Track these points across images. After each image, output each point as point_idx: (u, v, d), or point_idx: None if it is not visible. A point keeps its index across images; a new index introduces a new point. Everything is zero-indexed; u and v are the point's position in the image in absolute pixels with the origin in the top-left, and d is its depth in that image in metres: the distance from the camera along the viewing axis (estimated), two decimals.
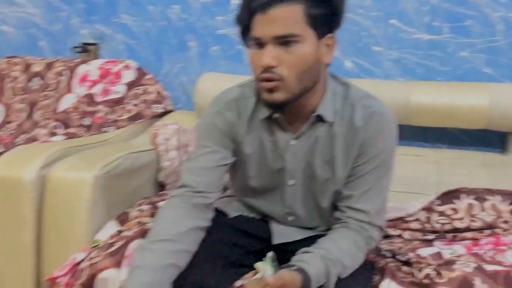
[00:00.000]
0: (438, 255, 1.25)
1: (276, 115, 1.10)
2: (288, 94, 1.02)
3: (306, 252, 1.03)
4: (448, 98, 1.68)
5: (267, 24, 0.97)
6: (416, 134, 1.88)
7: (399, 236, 1.45)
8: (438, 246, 1.34)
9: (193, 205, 1.10)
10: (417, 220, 1.47)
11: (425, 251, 1.28)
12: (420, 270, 1.12)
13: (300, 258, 1.00)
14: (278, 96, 1.01)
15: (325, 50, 1.04)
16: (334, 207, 1.17)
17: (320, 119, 1.09)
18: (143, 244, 1.05)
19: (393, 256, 1.24)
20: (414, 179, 1.65)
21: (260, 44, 1.00)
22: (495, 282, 1.03)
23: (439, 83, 1.77)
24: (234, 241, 1.20)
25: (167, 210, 1.10)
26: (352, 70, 1.93)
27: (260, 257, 1.00)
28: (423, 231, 1.44)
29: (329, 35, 1.04)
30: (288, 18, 0.97)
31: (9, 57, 2.21)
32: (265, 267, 0.93)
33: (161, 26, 2.15)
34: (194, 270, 1.07)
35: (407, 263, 1.19)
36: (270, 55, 0.98)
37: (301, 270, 0.96)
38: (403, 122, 1.74)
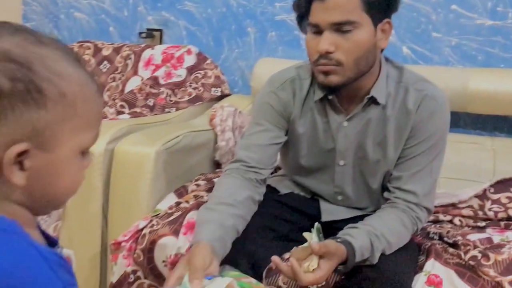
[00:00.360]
0: (488, 239, 1.25)
1: (330, 97, 1.13)
2: (343, 78, 1.06)
3: (352, 227, 1.07)
4: (509, 85, 1.64)
5: (325, 11, 1.01)
6: (474, 122, 1.84)
7: (450, 221, 1.45)
8: (490, 233, 1.33)
9: (247, 178, 1.15)
10: (469, 207, 1.46)
11: (474, 236, 1.28)
12: (466, 252, 1.13)
13: (346, 232, 1.05)
14: (334, 79, 1.05)
15: (381, 35, 1.06)
16: (384, 189, 1.19)
17: (373, 101, 1.12)
18: (207, 204, 1.11)
19: (441, 239, 1.25)
20: (469, 166, 1.64)
21: (317, 30, 1.04)
22: None
23: (499, 69, 1.72)
24: (284, 216, 1.26)
25: (225, 180, 1.16)
26: (409, 56, 1.91)
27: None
28: (475, 218, 1.43)
29: (385, 20, 1.06)
30: (345, 5, 1.00)
31: (81, 42, 2.37)
32: (311, 236, 0.98)
33: (222, 13, 2.23)
34: (247, 240, 1.13)
35: (454, 245, 1.20)
36: (327, 41, 1.02)
37: (346, 243, 1.00)
38: (460, 110, 1.72)
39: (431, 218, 1.46)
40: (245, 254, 1.12)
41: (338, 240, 1.01)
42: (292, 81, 1.19)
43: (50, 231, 1.55)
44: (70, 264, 0.56)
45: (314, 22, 1.03)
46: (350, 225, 1.09)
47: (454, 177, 1.61)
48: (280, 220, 1.24)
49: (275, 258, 0.97)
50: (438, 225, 1.42)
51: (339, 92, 1.11)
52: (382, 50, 1.12)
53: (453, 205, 1.48)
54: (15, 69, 0.47)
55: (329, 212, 1.26)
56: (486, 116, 1.79)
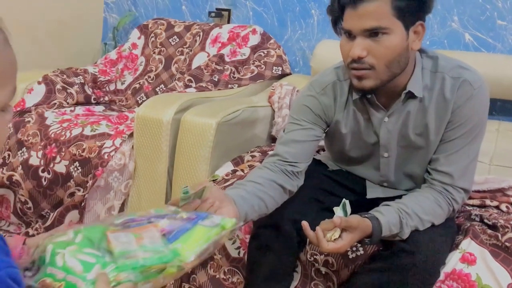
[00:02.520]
0: None
1: (369, 96, 1.17)
2: (376, 81, 1.10)
3: (385, 205, 1.13)
4: None
5: (357, 18, 1.05)
6: None
7: (496, 207, 1.47)
8: None
9: (282, 170, 1.20)
10: None
11: None
12: (504, 234, 1.17)
13: (377, 209, 1.11)
14: (367, 83, 1.10)
15: (413, 37, 1.09)
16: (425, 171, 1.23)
17: (410, 95, 1.15)
18: (237, 181, 1.18)
19: (481, 220, 1.29)
20: None
21: (350, 35, 1.08)
22: None
23: None
24: (331, 189, 1.33)
25: (259, 170, 1.22)
26: (472, 43, 1.91)
27: (353, 207, 1.10)
28: None
29: (418, 22, 1.09)
30: (376, 12, 1.04)
31: (155, 19, 2.55)
32: (337, 210, 1.06)
33: None
34: (292, 208, 1.22)
35: (493, 227, 1.23)
36: (360, 46, 1.06)
37: (374, 218, 1.07)
38: None
39: (477, 202, 1.49)
40: (290, 220, 1.21)
41: (366, 215, 1.08)
42: (333, 85, 1.23)
43: (122, 188, 1.74)
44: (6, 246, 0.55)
45: (347, 28, 1.07)
46: (384, 203, 1.15)
47: (505, 165, 1.62)
48: (327, 193, 1.32)
49: (304, 223, 1.05)
50: (483, 210, 1.44)
51: (376, 91, 1.15)
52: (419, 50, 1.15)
53: (502, 192, 1.50)
54: None
55: (374, 190, 1.32)
56: None
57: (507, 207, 1.46)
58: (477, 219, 1.31)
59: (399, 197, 1.23)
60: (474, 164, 1.18)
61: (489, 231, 1.21)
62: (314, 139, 1.24)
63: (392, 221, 1.08)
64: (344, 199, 1.09)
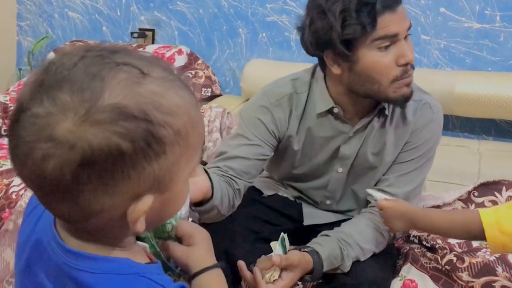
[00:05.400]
0: (467, 243, 1.25)
1: (336, 110, 1.10)
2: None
3: (324, 235, 1.07)
4: (496, 88, 1.65)
5: (400, 20, 0.99)
6: (461, 125, 1.85)
7: None
8: None
9: (226, 180, 1.10)
10: (453, 210, 1.46)
11: (454, 240, 1.28)
12: (443, 256, 1.13)
13: (316, 241, 1.04)
14: (411, 88, 1.04)
15: None
16: None
17: (381, 112, 1.10)
18: None
19: (420, 242, 1.26)
20: (454, 169, 1.64)
21: (391, 42, 0.99)
22: None
23: (487, 73, 1.73)
24: (267, 218, 1.25)
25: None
26: None
27: (290, 235, 1.02)
28: None
29: None
30: (405, 10, 1.01)
31: (74, 41, 2.39)
32: (276, 247, 0.97)
33: (213, 13, 2.24)
34: (227, 240, 1.13)
35: (432, 249, 1.20)
36: (411, 48, 1.01)
37: (314, 252, 1.00)
38: (448, 112, 1.73)
39: None
40: (225, 253, 1.12)
41: (306, 249, 1.01)
42: (289, 97, 1.13)
43: None
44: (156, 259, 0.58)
45: (393, 32, 0.98)
46: (323, 232, 1.08)
47: (440, 180, 1.61)
48: (262, 222, 1.24)
49: (240, 264, 0.95)
50: None
51: (347, 103, 1.09)
52: None
53: (438, 208, 1.49)
54: (133, 127, 0.43)
55: (311, 216, 1.26)
56: (473, 119, 1.80)
57: None
58: (416, 240, 1.28)
59: (338, 223, 1.18)
60: (420, 189, 1.15)
61: (428, 254, 1.18)
62: (260, 158, 1.12)
63: (333, 254, 1.01)
64: (282, 234, 1.00)
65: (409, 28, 1.00)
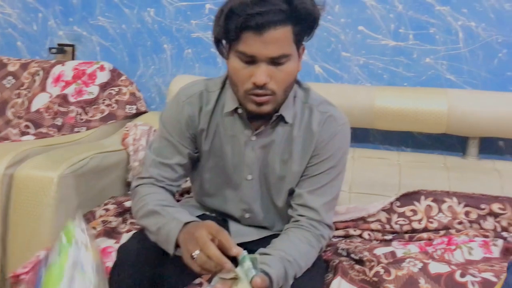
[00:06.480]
0: (392, 254, 1.30)
1: (240, 111, 1.13)
2: (274, 105, 1.07)
3: (265, 253, 1.04)
4: (411, 103, 1.72)
5: (262, 45, 0.98)
6: (382, 137, 1.93)
7: (360, 236, 1.50)
8: (395, 246, 1.39)
9: (167, 190, 1.18)
10: (378, 220, 1.51)
11: (380, 250, 1.32)
12: (371, 268, 1.16)
13: (262, 261, 1.00)
14: (266, 108, 1.06)
15: (298, 60, 1.08)
16: (289, 206, 1.20)
17: (281, 119, 1.14)
18: (154, 208, 1.08)
19: (348, 255, 1.28)
20: (377, 181, 1.70)
21: (250, 60, 1.01)
22: (437, 283, 1.08)
23: (402, 88, 1.82)
24: None
25: (145, 189, 1.15)
26: (321, 75, 1.97)
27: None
28: (382, 231, 1.49)
29: (303, 45, 1.08)
30: (282, 39, 0.99)
31: None
32: (244, 270, 0.90)
33: (136, 29, 2.18)
34: (157, 265, 1.08)
35: (360, 261, 1.23)
36: (265, 73, 1.00)
37: (265, 274, 0.96)
38: (368, 126, 1.79)
39: (342, 233, 1.51)
40: (154, 279, 1.08)
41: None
42: (200, 95, 1.17)
43: None
44: None
45: (250, 53, 1.00)
46: (262, 250, 1.06)
47: (363, 192, 1.67)
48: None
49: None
50: (348, 240, 1.46)
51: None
52: None
53: (363, 220, 1.53)
54: None
55: (239, 233, 1.25)
56: (393, 132, 1.88)
57: (369, 234, 1.49)
58: (344, 253, 1.30)
59: (264, 239, 1.18)
60: (334, 203, 1.18)
61: (357, 266, 1.20)
62: (186, 157, 1.20)
63: (279, 274, 0.99)
64: (257, 255, 0.94)
65: (279, 57, 1.00)
